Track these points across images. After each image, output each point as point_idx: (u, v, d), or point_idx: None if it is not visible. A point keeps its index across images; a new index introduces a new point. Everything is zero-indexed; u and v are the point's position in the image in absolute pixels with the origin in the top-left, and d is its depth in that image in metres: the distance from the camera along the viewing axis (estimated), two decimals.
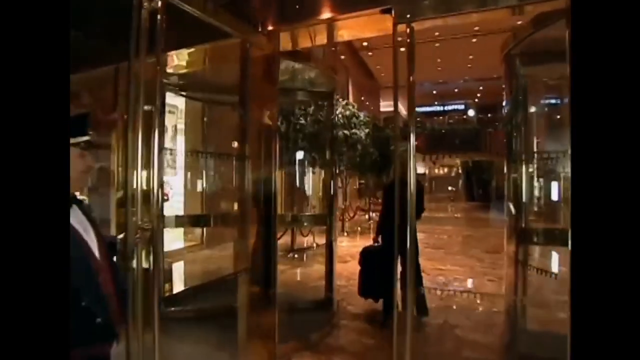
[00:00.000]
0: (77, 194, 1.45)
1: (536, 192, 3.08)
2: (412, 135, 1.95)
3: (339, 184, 7.97)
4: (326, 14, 2.07)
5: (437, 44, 12.19)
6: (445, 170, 24.90)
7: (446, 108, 19.31)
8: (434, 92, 19.65)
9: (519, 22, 2.54)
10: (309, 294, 4.00)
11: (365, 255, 3.46)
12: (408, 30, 1.85)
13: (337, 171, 5.95)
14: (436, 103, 20.29)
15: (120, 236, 1.66)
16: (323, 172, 4.21)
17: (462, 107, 18.84)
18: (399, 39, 1.88)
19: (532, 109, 2.79)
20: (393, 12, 1.86)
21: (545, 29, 2.22)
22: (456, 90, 18.65)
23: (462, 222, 12.71)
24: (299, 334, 2.93)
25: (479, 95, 18.65)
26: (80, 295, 1.13)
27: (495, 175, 16.11)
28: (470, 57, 14.37)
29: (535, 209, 3.19)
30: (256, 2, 2.21)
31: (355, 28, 2.25)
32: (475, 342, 2.94)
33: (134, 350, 1.59)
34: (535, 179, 2.89)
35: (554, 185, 3.35)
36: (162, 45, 1.62)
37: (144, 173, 1.64)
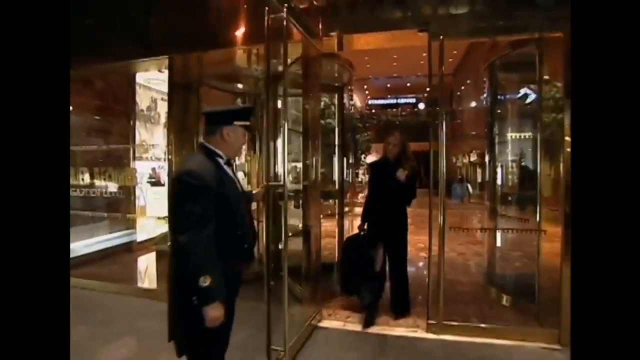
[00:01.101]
0: (237, 158, 2.03)
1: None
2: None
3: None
4: (377, 28, 2.83)
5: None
6: None
7: (399, 101, 20.89)
8: (388, 85, 21.11)
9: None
10: None
11: (348, 246, 3.14)
12: (439, 44, 2.69)
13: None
14: (389, 96, 21.82)
15: (254, 191, 2.30)
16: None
17: (413, 100, 20.54)
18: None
19: (503, 104, 3.82)
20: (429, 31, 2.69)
21: (518, 49, 3.21)
22: (408, 84, 20.26)
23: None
24: None
25: (428, 90, 20.44)
26: (238, 226, 1.62)
27: (437, 164, 18.05)
28: (424, 54, 15.76)
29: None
30: (327, 16, 2.88)
31: (395, 40, 3.03)
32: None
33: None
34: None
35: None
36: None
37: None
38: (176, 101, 3.51)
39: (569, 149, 2.55)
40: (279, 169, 3.37)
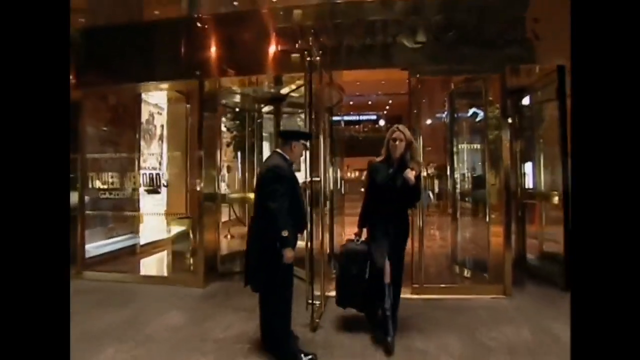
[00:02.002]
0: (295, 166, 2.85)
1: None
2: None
3: None
4: (370, 67, 3.85)
5: None
6: (357, 174, 28.28)
7: (361, 118, 22.34)
8: (351, 103, 22.54)
9: None
10: None
11: (345, 255, 2.91)
12: (416, 79, 3.75)
13: None
14: (351, 113, 23.24)
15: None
16: None
17: (374, 117, 22.08)
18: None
19: (459, 122, 4.97)
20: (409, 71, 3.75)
21: (470, 83, 4.37)
22: (369, 102, 21.82)
23: None
24: None
25: (387, 107, 22.12)
26: (299, 205, 2.56)
27: None
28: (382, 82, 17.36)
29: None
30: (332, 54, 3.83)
31: (380, 74, 4.05)
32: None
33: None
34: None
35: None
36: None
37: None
38: (205, 118, 4.31)
39: (507, 161, 3.74)
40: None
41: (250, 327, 2.87)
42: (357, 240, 2.92)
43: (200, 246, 4.15)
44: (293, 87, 4.76)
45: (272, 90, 4.92)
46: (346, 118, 23.36)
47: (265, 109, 5.37)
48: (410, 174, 2.59)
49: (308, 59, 3.05)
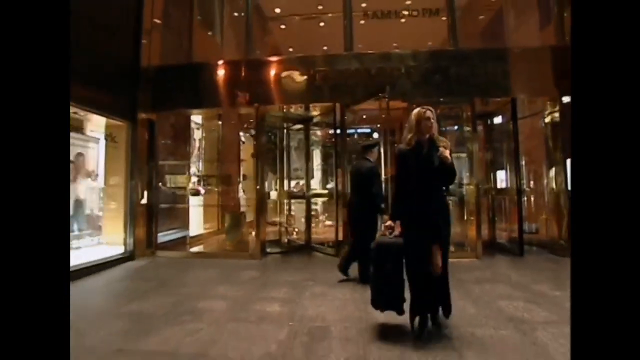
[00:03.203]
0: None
1: None
2: None
3: None
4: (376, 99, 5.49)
5: None
6: None
7: (358, 130, 24.24)
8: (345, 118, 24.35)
9: None
10: None
11: (377, 250, 2.74)
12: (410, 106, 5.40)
13: None
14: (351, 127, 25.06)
15: None
16: None
17: (368, 130, 23.99)
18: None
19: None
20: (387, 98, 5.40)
21: (451, 109, 6.04)
22: (364, 116, 23.73)
23: None
24: None
25: (379, 124, 24.05)
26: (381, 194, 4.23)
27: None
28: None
29: None
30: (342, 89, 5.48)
31: (383, 104, 5.70)
32: None
33: None
34: None
35: None
36: None
37: None
38: (260, 137, 5.90)
39: (477, 166, 5.39)
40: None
41: (305, 276, 4.42)
42: (390, 234, 2.78)
43: (257, 231, 5.66)
44: (317, 112, 6.46)
45: (303, 114, 6.56)
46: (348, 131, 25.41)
47: (296, 127, 6.99)
48: (446, 152, 2.55)
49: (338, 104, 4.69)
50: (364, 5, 6.12)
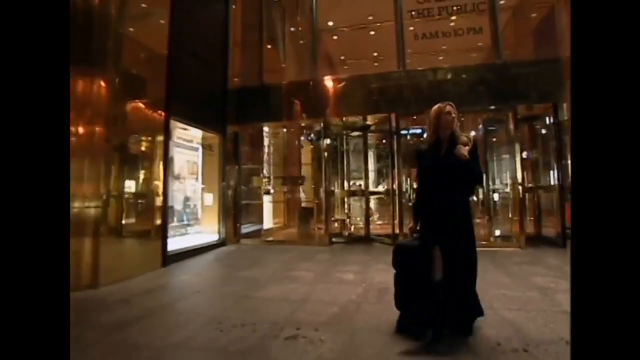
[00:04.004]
0: None
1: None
2: None
3: None
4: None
5: None
6: None
7: (409, 132, 24.86)
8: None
9: None
10: None
11: (399, 255, 2.69)
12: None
13: None
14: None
15: None
16: None
17: (419, 131, 24.48)
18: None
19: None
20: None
21: (496, 114, 6.78)
22: (415, 117, 24.27)
23: None
24: None
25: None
26: None
27: None
28: None
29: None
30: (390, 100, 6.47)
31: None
32: None
33: None
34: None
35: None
36: None
37: None
38: (325, 144, 7.07)
39: (519, 165, 6.11)
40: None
41: (369, 258, 5.49)
42: (413, 236, 2.72)
43: (325, 223, 6.83)
44: (374, 120, 7.51)
45: (361, 123, 7.64)
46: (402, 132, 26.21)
47: (355, 133, 8.09)
48: (463, 150, 2.37)
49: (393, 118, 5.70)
50: (411, 28, 7.06)
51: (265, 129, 8.99)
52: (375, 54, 11.89)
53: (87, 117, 4.40)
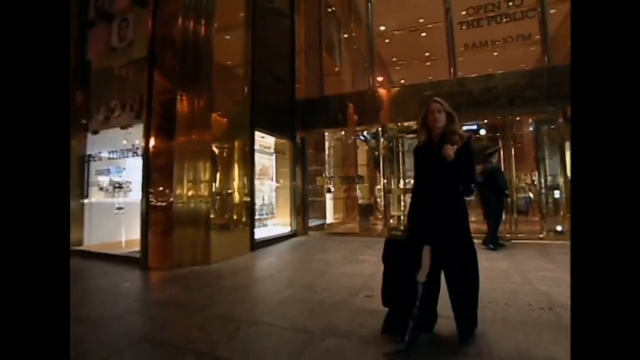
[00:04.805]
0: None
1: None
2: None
3: None
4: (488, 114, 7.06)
5: None
6: None
7: (464, 128, 24.75)
8: None
9: None
10: None
11: (388, 249, 2.61)
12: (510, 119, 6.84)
13: None
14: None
15: None
16: None
17: (475, 127, 24.27)
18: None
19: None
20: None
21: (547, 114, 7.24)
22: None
23: None
24: None
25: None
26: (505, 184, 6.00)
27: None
28: None
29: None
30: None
31: None
32: None
33: None
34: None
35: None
36: None
37: None
38: (384, 147, 7.97)
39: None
40: None
41: None
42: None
43: (384, 217, 7.73)
44: None
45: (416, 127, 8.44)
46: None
47: (410, 135, 8.88)
48: (450, 150, 2.30)
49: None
50: (464, 41, 7.72)
51: (326, 134, 10.07)
52: (427, 54, 12.51)
53: (196, 131, 5.72)
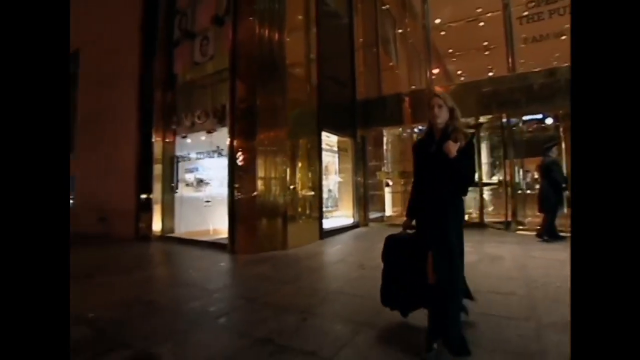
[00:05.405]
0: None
1: None
2: None
3: None
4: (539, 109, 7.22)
5: None
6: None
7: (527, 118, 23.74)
8: None
9: None
10: None
11: (389, 248, 2.64)
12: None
13: None
14: None
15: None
16: None
17: (540, 116, 23.13)
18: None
19: None
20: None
21: None
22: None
23: None
24: None
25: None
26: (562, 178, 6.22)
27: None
28: None
29: None
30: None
31: None
32: None
33: None
34: None
35: None
36: None
37: None
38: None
39: None
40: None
41: (483, 238, 6.70)
42: (407, 232, 2.64)
43: None
44: (486, 119, 8.51)
45: (473, 122, 8.72)
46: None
47: (469, 130, 9.17)
48: (452, 146, 2.19)
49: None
50: (523, 35, 7.84)
51: (385, 131, 10.62)
52: (485, 43, 12.44)
53: (274, 132, 6.61)
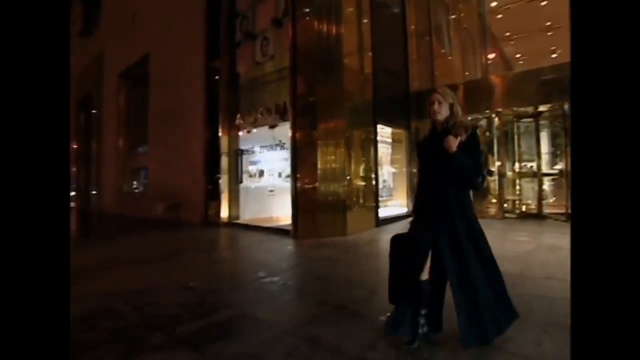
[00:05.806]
0: None
1: None
2: None
3: None
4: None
5: None
6: None
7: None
8: None
9: None
10: None
11: (395, 246, 2.54)
12: None
13: None
14: None
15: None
16: None
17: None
18: None
19: None
20: None
21: None
22: None
23: None
24: None
25: None
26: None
27: None
28: None
29: None
30: None
31: None
32: None
33: None
34: None
35: None
36: None
37: None
38: (498, 132, 8.45)
39: None
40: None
41: (541, 229, 6.76)
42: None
43: (499, 200, 8.26)
44: (546, 108, 8.38)
45: (533, 111, 8.63)
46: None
47: (526, 119, 9.08)
48: (452, 141, 2.22)
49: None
50: None
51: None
52: (548, 23, 11.93)
53: (333, 126, 7.10)
